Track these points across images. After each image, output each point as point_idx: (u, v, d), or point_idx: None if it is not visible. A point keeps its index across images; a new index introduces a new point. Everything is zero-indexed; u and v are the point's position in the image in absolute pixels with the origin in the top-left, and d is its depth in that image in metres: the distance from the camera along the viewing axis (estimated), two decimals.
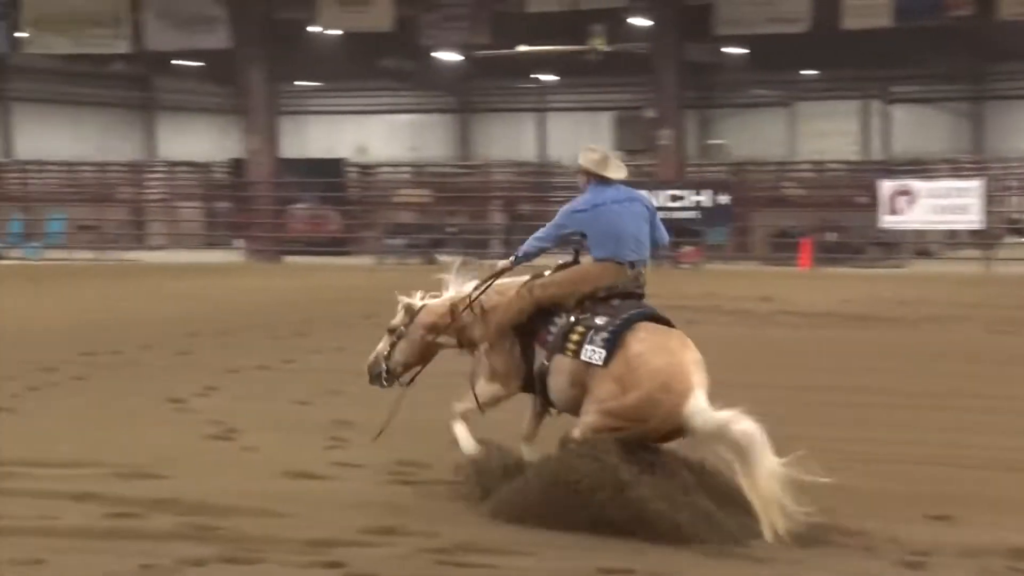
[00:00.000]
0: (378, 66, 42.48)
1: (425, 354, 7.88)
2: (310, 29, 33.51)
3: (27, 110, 43.68)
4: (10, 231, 32.88)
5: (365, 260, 30.02)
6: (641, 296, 7.26)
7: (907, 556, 6.40)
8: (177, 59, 39.66)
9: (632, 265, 7.21)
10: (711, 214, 28.09)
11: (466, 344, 7.69)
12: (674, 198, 28.07)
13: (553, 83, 44.50)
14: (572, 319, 7.05)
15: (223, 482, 7.90)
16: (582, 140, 39.05)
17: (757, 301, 19.46)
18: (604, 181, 7.31)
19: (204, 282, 23.87)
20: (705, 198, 27.93)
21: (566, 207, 7.39)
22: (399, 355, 7.84)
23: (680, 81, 30.16)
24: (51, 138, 43.19)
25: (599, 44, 32.32)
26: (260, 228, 31.64)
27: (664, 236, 7.53)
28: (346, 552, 6.42)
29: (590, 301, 7.10)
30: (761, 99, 42.09)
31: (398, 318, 7.86)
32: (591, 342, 6.86)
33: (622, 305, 7.07)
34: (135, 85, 47.05)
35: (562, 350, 6.98)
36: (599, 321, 6.92)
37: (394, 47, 38.79)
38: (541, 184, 37.02)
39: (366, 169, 39.24)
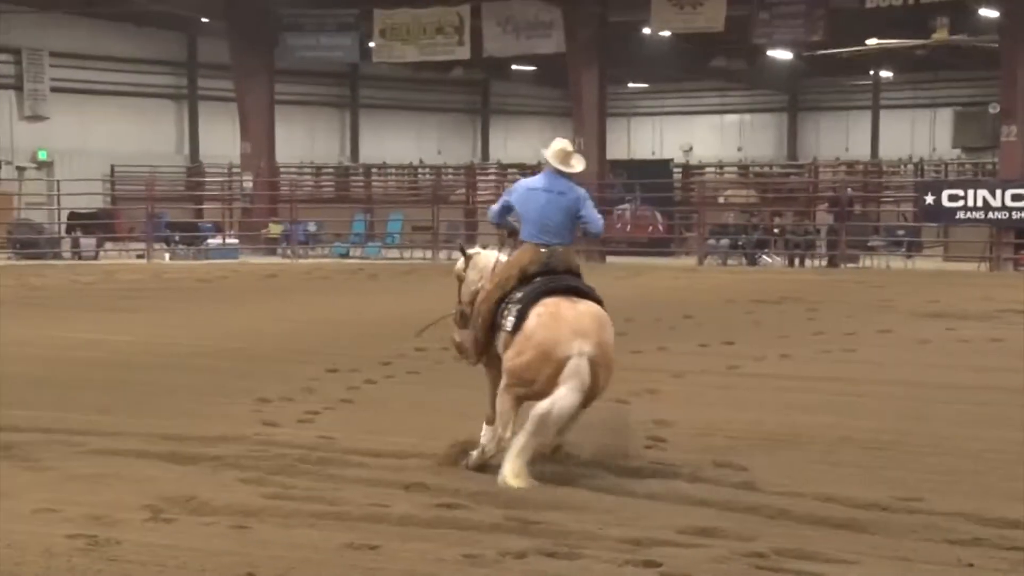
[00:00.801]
0: (708, 66, 42.31)
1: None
2: (642, 31, 33.70)
3: (373, 116, 46.08)
4: (353, 231, 34.69)
5: (688, 261, 29.95)
6: (570, 274, 8.05)
7: None
8: (513, 64, 40.83)
9: (545, 246, 8.05)
10: None
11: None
12: (1017, 197, 26.59)
13: (888, 79, 43.06)
14: (507, 299, 7.93)
15: (539, 477, 8.06)
16: (918, 138, 37.63)
17: None
18: (556, 172, 8.24)
19: None
20: None
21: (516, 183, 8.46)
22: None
23: None
24: (394, 142, 45.44)
25: (943, 37, 30.97)
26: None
27: (596, 226, 8.41)
28: (662, 551, 6.44)
29: (521, 281, 7.95)
30: None
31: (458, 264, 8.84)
32: (508, 313, 7.84)
33: (543, 281, 7.90)
34: (472, 90, 48.82)
35: (500, 327, 7.93)
36: (517, 295, 7.88)
37: (725, 47, 38.55)
38: (872, 184, 35.85)
39: (692, 169, 39.11)
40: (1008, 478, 7.99)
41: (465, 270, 8.63)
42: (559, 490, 7.68)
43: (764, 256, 29.88)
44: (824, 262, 29.25)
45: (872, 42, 32.08)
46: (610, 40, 32.63)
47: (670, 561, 6.28)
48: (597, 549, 6.49)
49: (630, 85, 46.65)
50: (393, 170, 42.21)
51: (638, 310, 18.10)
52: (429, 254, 32.52)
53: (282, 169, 37.50)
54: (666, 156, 41.15)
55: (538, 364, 7.64)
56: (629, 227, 32.13)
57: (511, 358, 7.79)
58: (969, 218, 27.36)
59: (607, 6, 32.05)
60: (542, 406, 7.58)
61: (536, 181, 8.36)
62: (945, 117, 41.15)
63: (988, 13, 30.03)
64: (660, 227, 32.14)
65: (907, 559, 6.34)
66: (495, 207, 8.55)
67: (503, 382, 7.90)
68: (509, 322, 7.85)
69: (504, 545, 6.53)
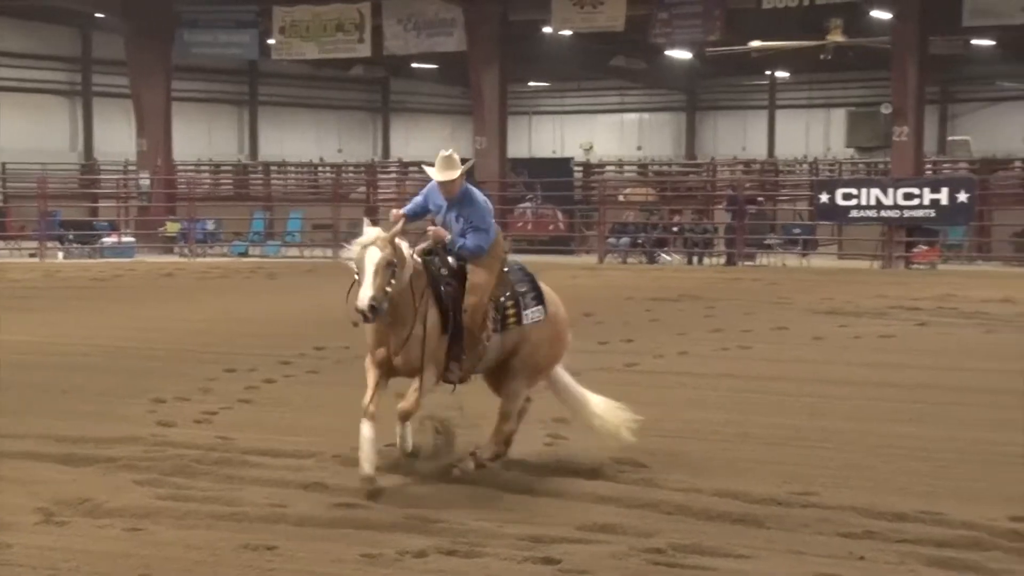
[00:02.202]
0: (608, 65, 42.59)
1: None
2: (543, 30, 33.81)
3: (272, 114, 45.65)
4: (252, 229, 34.32)
5: (588, 259, 30.13)
6: None
7: None
8: (414, 62, 40.70)
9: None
10: (948, 213, 27.08)
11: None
12: (909, 196, 27.19)
13: (784, 79, 43.72)
14: (501, 299, 8.13)
15: (438, 477, 8.05)
16: (813, 137, 38.24)
17: (997, 303, 18.69)
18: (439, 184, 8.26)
19: None
20: (943, 196, 26.93)
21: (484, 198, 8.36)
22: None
23: (920, 75, 29.11)
24: (294, 140, 45.05)
25: (836, 39, 31.52)
26: None
27: (466, 249, 8.31)
28: (561, 548, 6.47)
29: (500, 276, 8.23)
30: (1009, 93, 40.34)
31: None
32: (527, 307, 8.20)
33: (512, 270, 8.35)
34: (373, 88, 48.60)
35: (505, 327, 8.12)
36: (521, 288, 8.24)
37: (625, 46, 38.82)
38: (768, 183, 36.40)
39: (592, 168, 39.35)
40: (899, 472, 8.16)
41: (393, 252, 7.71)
42: (459, 488, 7.69)
43: (663, 254, 30.16)
44: (722, 260, 29.62)
45: (755, 44, 32.48)
46: (511, 39, 32.69)
47: (569, 558, 6.32)
48: (497, 547, 6.51)
49: (531, 84, 46.80)
50: (293, 168, 41.85)
51: None
52: (330, 252, 32.29)
53: (180, 167, 36.96)
54: (567, 155, 41.29)
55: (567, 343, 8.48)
56: (530, 225, 32.24)
57: (553, 342, 8.34)
58: (862, 216, 27.89)
59: (508, 5, 32.10)
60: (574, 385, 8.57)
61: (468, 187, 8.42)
62: (839, 117, 41.82)
63: (880, 15, 30.63)
64: (561, 225, 32.30)
65: (801, 552, 6.46)
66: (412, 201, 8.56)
67: (537, 372, 8.35)
68: (536, 312, 8.25)
69: (404, 544, 6.53)
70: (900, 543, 6.60)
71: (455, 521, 6.94)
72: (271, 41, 34.80)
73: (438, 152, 8.30)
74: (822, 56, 32.48)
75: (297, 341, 14.23)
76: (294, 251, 32.46)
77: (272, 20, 34.27)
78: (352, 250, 7.75)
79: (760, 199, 32.62)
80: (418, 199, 8.40)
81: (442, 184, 8.19)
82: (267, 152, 44.37)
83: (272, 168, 41.07)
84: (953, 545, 6.53)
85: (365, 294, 7.47)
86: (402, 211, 8.29)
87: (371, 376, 7.89)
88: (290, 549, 6.47)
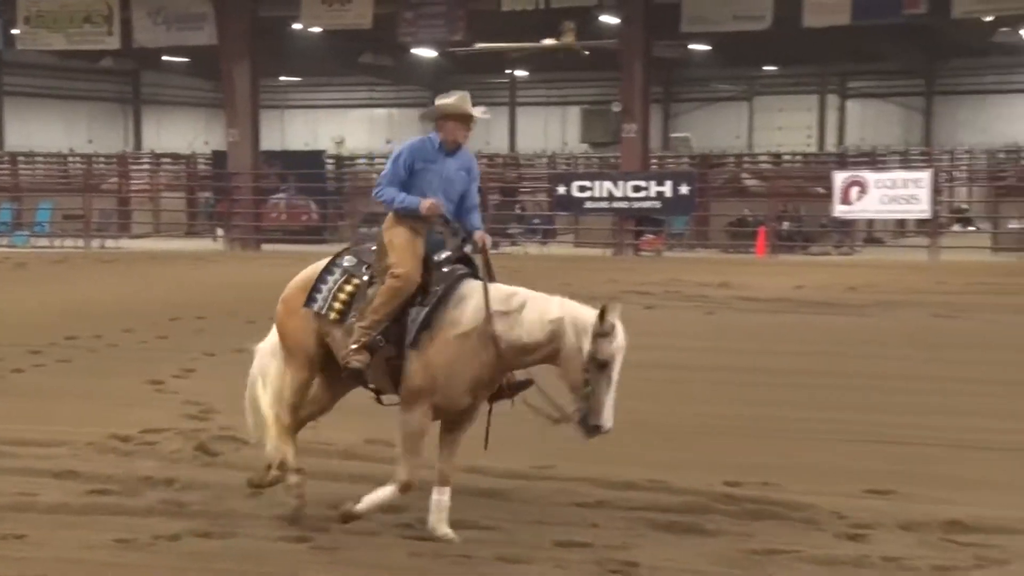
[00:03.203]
0: (357, 62, 42.34)
1: None
2: (293, 27, 33.33)
3: (19, 104, 43.40)
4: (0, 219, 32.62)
5: (341, 248, 29.87)
6: None
7: (849, 529, 6.47)
8: (165, 55, 39.41)
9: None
10: (672, 204, 28.13)
11: None
12: (637, 188, 28.11)
13: (523, 78, 44.44)
14: None
15: (200, 459, 7.89)
16: (551, 133, 38.96)
17: (715, 287, 19.52)
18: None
19: (185, 270, 23.75)
20: (667, 189, 27.97)
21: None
22: None
23: (646, 76, 30.11)
24: (42, 131, 42.95)
25: (570, 41, 32.23)
26: (240, 218, 31.52)
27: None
28: (315, 526, 6.42)
29: None
30: (723, 94, 42.18)
31: None
32: None
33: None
34: (123, 80, 46.84)
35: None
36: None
37: (373, 44, 38.66)
38: (509, 176, 36.98)
39: (344, 160, 39.12)
40: (629, 445, 8.42)
41: None
42: (213, 472, 7.53)
43: None
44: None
45: (480, 46, 32.85)
46: (262, 34, 32.07)
47: (320, 536, 6.28)
48: (252, 527, 6.42)
49: (283, 78, 46.07)
50: (42, 158, 39.90)
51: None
52: (81, 243, 30.99)
53: None
54: (319, 148, 40.86)
55: None
56: (284, 216, 31.77)
57: None
58: (596, 207, 28.68)
59: (259, 1, 31.48)
60: None
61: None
62: (574, 115, 42.89)
63: (609, 20, 31.50)
64: (314, 216, 31.96)
65: (541, 522, 6.60)
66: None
67: None
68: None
69: (158, 529, 6.35)
70: (629, 510, 6.83)
71: (210, 504, 6.80)
72: (15, 31, 33.05)
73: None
74: (559, 55, 33.14)
75: (47, 331, 13.61)
76: (44, 241, 31.00)
77: (16, 10, 32.54)
78: (609, 346, 6.29)
79: (525, 190, 33.21)
80: (398, 171, 6.60)
81: (460, 123, 6.59)
82: (13, 143, 42.14)
83: (19, 158, 39.05)
84: (676, 510, 6.80)
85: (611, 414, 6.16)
86: (431, 200, 6.50)
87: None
88: (40, 537, 6.20)
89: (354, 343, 6.36)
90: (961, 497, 7.02)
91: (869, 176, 27.49)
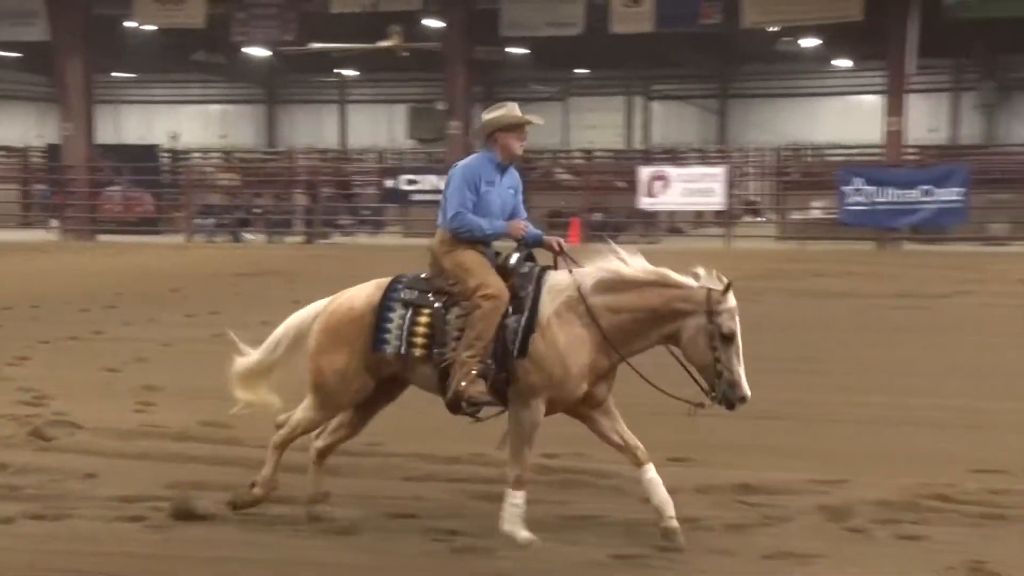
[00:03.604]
0: (191, 59, 41.26)
1: None
2: (127, 24, 32.27)
3: None
4: None
5: (176, 239, 29.15)
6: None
7: None
8: None
9: None
10: None
11: None
12: None
13: (353, 77, 44.04)
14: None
15: (34, 444, 7.60)
16: (380, 130, 38.71)
17: None
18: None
19: (19, 260, 22.80)
20: None
21: None
22: None
23: (468, 77, 30.25)
24: None
25: (396, 43, 32.11)
26: (75, 209, 30.42)
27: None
28: (149, 506, 6.26)
29: None
30: (539, 94, 42.57)
31: None
32: None
33: None
34: None
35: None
36: None
37: (206, 42, 37.73)
38: (341, 170, 36.67)
39: (179, 154, 38.15)
40: (454, 422, 8.45)
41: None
42: (47, 456, 7.26)
43: (246, 233, 29.68)
44: (301, 239, 29.52)
45: (315, 46, 32.48)
46: (96, 31, 30.95)
47: (154, 515, 6.14)
48: (86, 508, 6.22)
49: (118, 74, 44.50)
50: None
51: (128, 284, 17.45)
52: None
53: None
54: (154, 142, 39.68)
55: None
56: (119, 208, 30.81)
57: None
58: (423, 200, 28.67)
59: None
60: None
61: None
62: (401, 112, 42.70)
63: (433, 23, 31.51)
64: (149, 207, 31.08)
65: (371, 496, 6.58)
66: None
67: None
68: None
69: None
70: (454, 482, 6.87)
71: (43, 487, 6.56)
72: None
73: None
74: (387, 55, 32.97)
75: None
76: None
77: None
78: (732, 319, 6.06)
79: (356, 183, 33.03)
80: (468, 196, 6.05)
81: (518, 135, 6.14)
82: None
83: None
84: (496, 481, 6.84)
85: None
86: (519, 223, 6.11)
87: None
88: None
89: (465, 375, 5.81)
90: (750, 463, 7.28)
91: (671, 171, 28.23)
